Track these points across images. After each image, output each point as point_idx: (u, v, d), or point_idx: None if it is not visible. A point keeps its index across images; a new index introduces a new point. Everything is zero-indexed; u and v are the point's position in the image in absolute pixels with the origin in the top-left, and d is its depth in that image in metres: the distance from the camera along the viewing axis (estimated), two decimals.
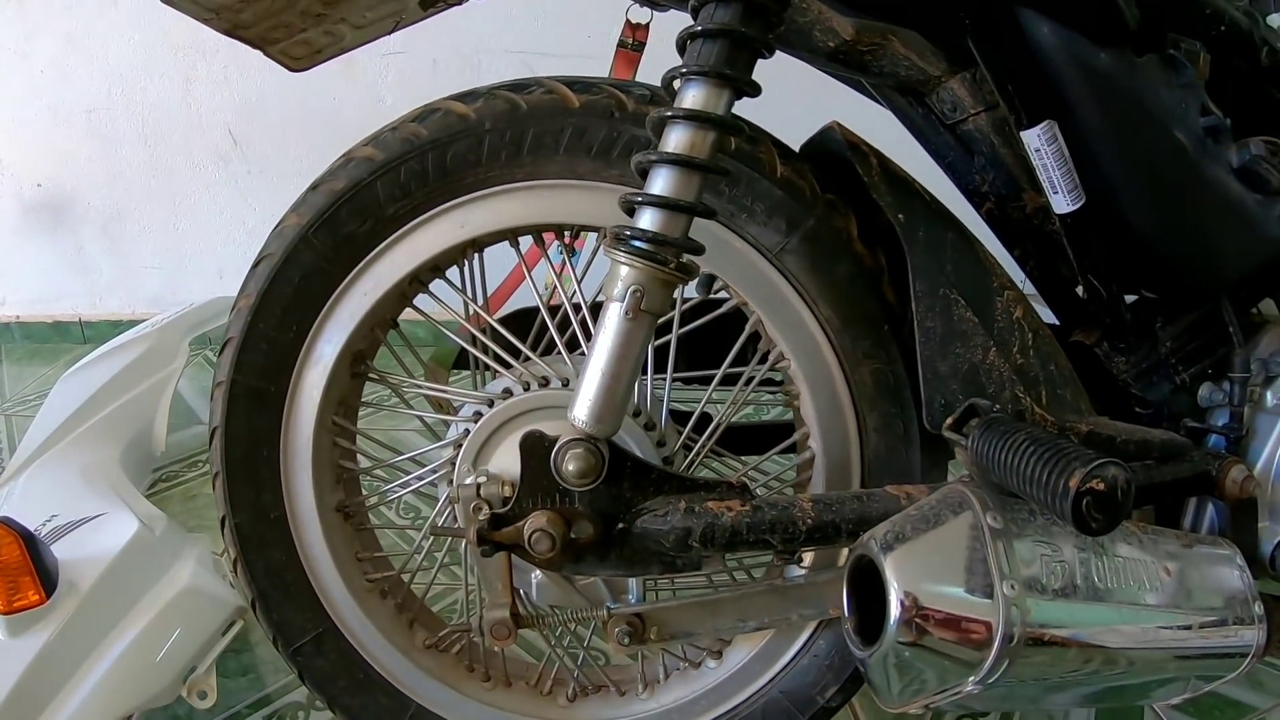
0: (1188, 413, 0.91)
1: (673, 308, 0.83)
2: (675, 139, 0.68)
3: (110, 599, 1.03)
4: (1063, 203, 0.80)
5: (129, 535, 1.08)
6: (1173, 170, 0.80)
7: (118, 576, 1.05)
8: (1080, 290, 0.91)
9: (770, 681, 0.90)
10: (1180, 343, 0.91)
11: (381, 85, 1.96)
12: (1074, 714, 1.14)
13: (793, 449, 0.90)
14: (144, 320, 1.68)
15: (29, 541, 1.01)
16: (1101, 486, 0.61)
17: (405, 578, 0.95)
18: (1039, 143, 0.78)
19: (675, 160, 0.67)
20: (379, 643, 0.91)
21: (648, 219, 0.68)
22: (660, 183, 0.68)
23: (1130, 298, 0.90)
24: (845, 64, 0.82)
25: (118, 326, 1.74)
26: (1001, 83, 0.77)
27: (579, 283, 0.84)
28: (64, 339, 2.20)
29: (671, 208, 0.67)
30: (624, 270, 0.67)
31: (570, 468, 0.70)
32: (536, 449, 0.72)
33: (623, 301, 0.67)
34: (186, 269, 2.12)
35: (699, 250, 0.70)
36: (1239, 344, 0.87)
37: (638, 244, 0.67)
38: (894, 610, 0.63)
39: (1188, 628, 0.72)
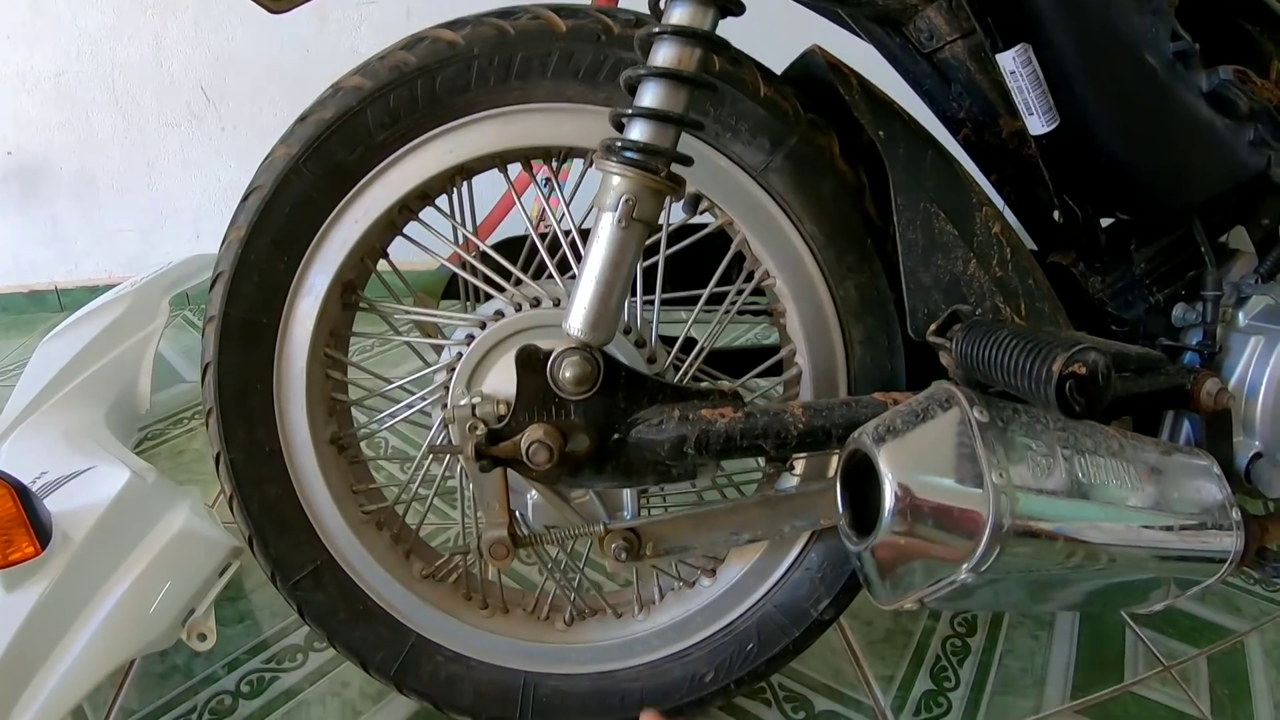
0: (1162, 332, 0.93)
1: (661, 223, 0.84)
2: (663, 54, 0.69)
3: (105, 547, 1.03)
4: (1038, 124, 0.82)
5: (121, 484, 1.08)
6: (1143, 93, 0.82)
7: (111, 524, 1.04)
8: (1056, 215, 0.93)
9: (764, 596, 0.92)
10: (1154, 264, 0.93)
11: (355, 36, 1.94)
12: (1058, 632, 1.17)
13: (778, 370, 0.91)
14: (119, 285, 1.67)
15: (22, 494, 1.00)
16: (1083, 370, 0.64)
17: (400, 509, 0.96)
18: (1014, 65, 0.79)
19: (664, 74, 0.69)
20: (377, 574, 0.92)
21: (638, 130, 0.69)
22: (649, 96, 0.69)
23: (1106, 221, 0.93)
24: None
25: (95, 292, 1.72)
26: (979, 8, 0.78)
27: (568, 206, 0.85)
28: (41, 309, 2.17)
29: (661, 119, 0.69)
30: (615, 180, 0.68)
31: (567, 375, 0.72)
32: (532, 362, 0.73)
33: (615, 210, 0.68)
34: (163, 230, 2.10)
35: (688, 161, 0.71)
36: (1211, 264, 0.90)
37: (629, 154, 0.68)
38: (889, 500, 0.64)
39: (1169, 529, 0.74)
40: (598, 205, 0.70)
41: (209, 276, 1.82)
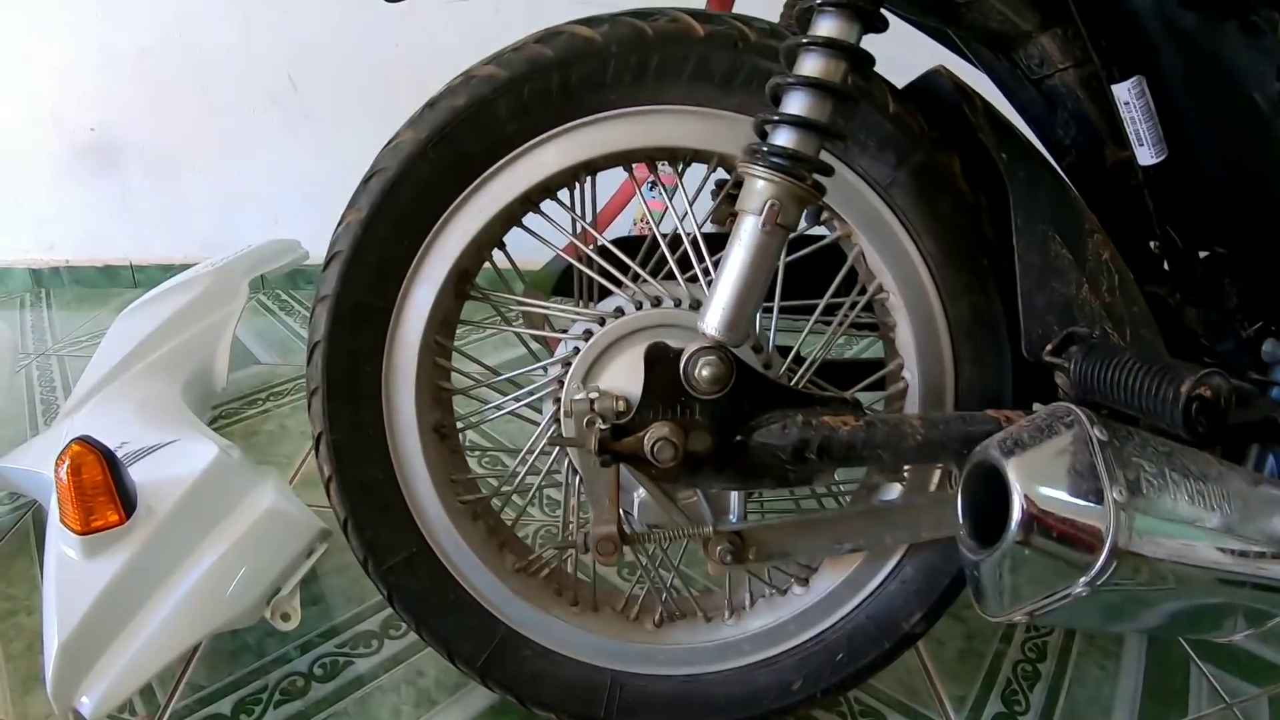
0: (1251, 366, 0.94)
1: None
2: (810, 64, 0.70)
3: (190, 520, 1.04)
4: (1147, 155, 0.83)
5: (210, 458, 1.09)
6: (1248, 129, 0.83)
7: (198, 498, 1.05)
8: (1153, 245, 0.94)
9: (857, 607, 0.92)
10: (1246, 298, 0.94)
11: (441, 31, 1.94)
12: (1125, 663, 1.17)
13: (880, 385, 0.92)
14: (195, 264, 1.69)
15: (111, 461, 1.01)
16: (1209, 393, 0.65)
17: (496, 502, 0.96)
18: (1129, 97, 0.80)
19: (811, 83, 0.70)
20: (471, 564, 0.92)
21: (784, 137, 0.70)
22: (795, 104, 0.70)
23: (1202, 254, 0.93)
24: (940, 15, 0.84)
25: (168, 270, 1.74)
26: (1096, 39, 0.80)
27: (690, 205, 0.86)
28: (113, 283, 2.19)
29: (807, 127, 0.70)
30: (760, 184, 0.69)
31: (704, 374, 0.72)
32: (662, 359, 0.74)
33: (759, 215, 0.69)
34: (239, 213, 2.11)
35: (830, 171, 0.72)
36: None
37: (775, 159, 0.69)
38: (1017, 511, 0.65)
39: (1263, 557, 0.74)
40: (740, 208, 0.70)
41: (288, 261, 1.85)
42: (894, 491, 0.90)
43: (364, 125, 0.84)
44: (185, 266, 1.68)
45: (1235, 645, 1.20)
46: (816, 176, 0.71)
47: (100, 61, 1.99)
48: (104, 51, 1.99)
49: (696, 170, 0.90)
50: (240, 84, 2.01)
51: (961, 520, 0.72)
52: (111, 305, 1.62)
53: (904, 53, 0.91)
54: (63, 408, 1.43)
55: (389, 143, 0.84)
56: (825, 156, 0.79)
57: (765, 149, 0.70)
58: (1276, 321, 0.94)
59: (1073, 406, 0.72)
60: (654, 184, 0.91)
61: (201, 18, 1.95)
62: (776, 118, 0.70)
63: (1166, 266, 0.92)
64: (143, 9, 1.95)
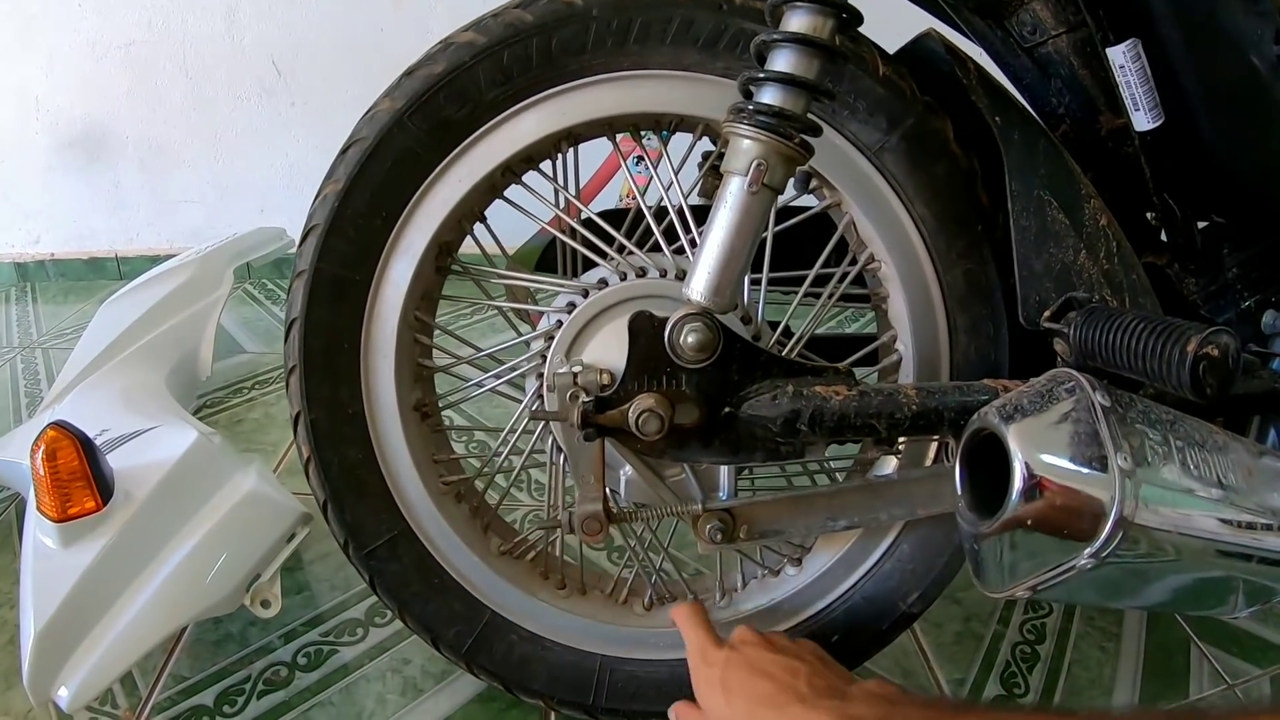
0: (1251, 338, 0.92)
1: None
2: (797, 21, 0.68)
3: (169, 506, 1.02)
4: (1144, 120, 0.81)
5: (188, 444, 1.07)
6: (1246, 93, 0.81)
7: (176, 484, 1.03)
8: (1151, 215, 0.92)
9: (853, 587, 0.90)
10: (1246, 269, 0.92)
11: (430, 17, 1.94)
12: (1125, 644, 1.15)
13: (873, 359, 0.90)
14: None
15: (86, 447, 0.99)
16: (1215, 353, 0.63)
17: (480, 483, 0.94)
18: (1124, 60, 0.78)
19: (798, 39, 0.67)
20: (455, 547, 0.90)
21: (770, 95, 0.68)
22: (782, 61, 0.68)
23: (1201, 224, 0.92)
24: None
25: (155, 261, 1.71)
26: (1091, 1, 0.78)
27: (676, 175, 0.84)
28: (99, 276, 2.17)
29: (795, 84, 0.67)
30: (746, 144, 0.67)
31: (689, 341, 0.70)
32: (646, 328, 0.71)
33: (745, 175, 0.67)
34: (227, 202, 2.09)
35: (817, 131, 0.69)
36: None
37: (761, 118, 0.66)
38: (1018, 480, 0.62)
39: (1269, 529, 0.72)
40: (725, 169, 0.68)
41: (273, 249, 1.83)
42: (889, 466, 0.88)
43: (353, 112, 0.81)
44: (171, 257, 1.66)
45: (1236, 625, 1.18)
46: (804, 136, 0.69)
47: (87, 53, 1.97)
48: (90, 43, 1.97)
49: (682, 140, 0.88)
50: (227, 73, 1.99)
51: (960, 491, 0.69)
52: (97, 298, 1.60)
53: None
54: (45, 398, 1.41)
55: (366, 112, 0.82)
56: (813, 118, 0.77)
57: (751, 107, 0.67)
58: (1276, 293, 0.93)
59: (1073, 372, 0.69)
60: (640, 158, 0.88)
61: (187, 8, 1.93)
62: (762, 75, 0.68)
63: (1164, 237, 0.91)
64: (128, 0, 1.93)
